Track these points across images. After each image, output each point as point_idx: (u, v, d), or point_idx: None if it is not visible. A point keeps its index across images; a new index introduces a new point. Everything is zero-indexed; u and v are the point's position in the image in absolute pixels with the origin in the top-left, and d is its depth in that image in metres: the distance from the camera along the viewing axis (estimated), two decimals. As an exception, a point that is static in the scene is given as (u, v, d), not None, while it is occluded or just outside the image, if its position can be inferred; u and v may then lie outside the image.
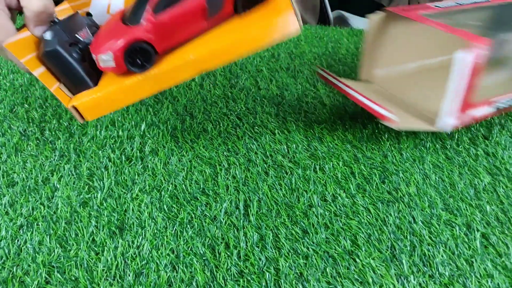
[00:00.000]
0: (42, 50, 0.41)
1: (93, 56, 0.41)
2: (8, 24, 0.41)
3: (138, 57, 0.40)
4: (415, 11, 0.52)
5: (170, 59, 0.40)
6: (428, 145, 0.53)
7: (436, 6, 0.54)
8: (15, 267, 0.37)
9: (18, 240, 0.39)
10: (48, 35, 0.41)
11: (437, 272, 0.38)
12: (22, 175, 0.46)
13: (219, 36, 0.40)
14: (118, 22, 0.41)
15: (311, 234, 0.41)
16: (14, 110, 0.56)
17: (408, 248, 0.40)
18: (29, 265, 0.37)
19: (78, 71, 0.42)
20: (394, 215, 0.43)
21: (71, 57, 0.41)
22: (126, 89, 0.41)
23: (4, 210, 0.42)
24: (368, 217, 0.43)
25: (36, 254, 0.37)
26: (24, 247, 0.38)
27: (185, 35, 0.41)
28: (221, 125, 0.55)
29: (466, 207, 0.44)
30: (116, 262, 0.37)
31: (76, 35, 0.43)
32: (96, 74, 0.44)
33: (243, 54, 0.40)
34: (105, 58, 0.39)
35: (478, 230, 0.42)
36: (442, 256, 0.39)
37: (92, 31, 0.46)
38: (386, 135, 0.55)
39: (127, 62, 0.40)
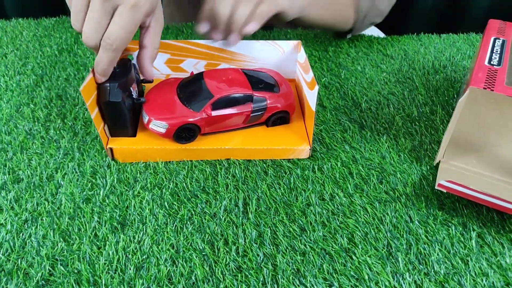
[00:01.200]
0: (106, 99, 0.45)
1: (144, 114, 0.50)
2: None
3: (184, 133, 0.49)
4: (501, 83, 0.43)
5: (207, 142, 0.50)
6: (426, 147, 0.54)
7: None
8: (19, 260, 0.38)
9: (22, 234, 0.40)
10: (113, 86, 0.45)
11: (432, 270, 0.39)
12: (27, 172, 0.47)
13: (250, 139, 0.51)
14: (177, 100, 0.50)
15: (308, 232, 0.42)
16: (20, 110, 0.57)
17: (404, 246, 0.40)
18: (33, 258, 0.38)
19: (127, 121, 0.48)
20: (391, 214, 0.44)
21: (126, 109, 0.47)
22: (164, 151, 0.49)
23: (9, 205, 0.43)
24: (365, 216, 0.44)
25: (40, 248, 0.38)
26: (29, 240, 0.39)
27: (225, 127, 0.51)
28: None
29: (462, 207, 0.45)
30: (118, 256, 0.38)
31: (131, 88, 0.48)
32: (135, 125, 0.51)
33: (263, 158, 0.51)
34: (159, 125, 0.48)
35: (474, 230, 0.42)
36: (437, 254, 0.40)
37: (137, 81, 0.52)
38: (385, 137, 0.55)
39: (175, 135, 0.48)
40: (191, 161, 0.49)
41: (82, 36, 0.42)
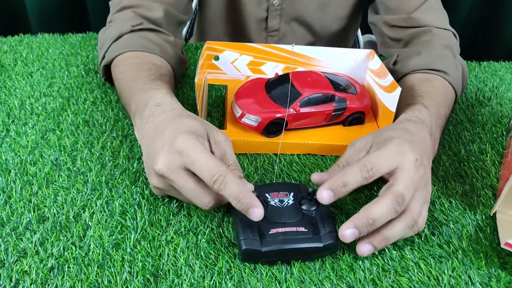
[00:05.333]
0: None
1: (236, 108, 0.54)
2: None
3: (273, 128, 0.53)
4: None
5: (290, 137, 0.54)
6: (478, 192, 0.50)
7: None
8: (45, 318, 0.34)
9: (49, 285, 0.36)
10: None
11: None
12: (53, 209, 0.44)
13: (329, 137, 0.55)
14: (267, 97, 0.54)
15: (358, 292, 0.38)
16: (46, 136, 0.54)
17: (467, 314, 0.36)
18: (60, 317, 0.34)
19: None
20: (448, 273, 0.40)
21: None
22: (252, 143, 0.53)
23: (34, 249, 0.40)
24: (419, 274, 0.40)
25: (67, 303, 0.35)
26: (55, 293, 0.36)
27: (308, 124, 0.55)
28: (257, 160, 0.53)
29: (527, 268, 0.41)
30: (151, 316, 0.35)
31: None
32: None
33: (341, 154, 0.49)
34: (251, 119, 0.52)
35: (544, 298, 0.38)
36: (504, 325, 0.36)
37: None
38: (433, 178, 0.51)
39: (265, 129, 0.52)
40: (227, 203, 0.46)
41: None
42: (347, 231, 0.38)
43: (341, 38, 0.90)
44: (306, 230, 0.40)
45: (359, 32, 1.10)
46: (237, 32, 0.86)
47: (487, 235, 0.44)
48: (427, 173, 0.43)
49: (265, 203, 0.42)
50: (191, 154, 0.39)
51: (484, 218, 0.46)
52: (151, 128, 0.44)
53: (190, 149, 0.40)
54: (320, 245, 0.39)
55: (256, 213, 0.39)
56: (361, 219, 0.38)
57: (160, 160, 0.40)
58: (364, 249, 0.39)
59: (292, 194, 0.43)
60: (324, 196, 0.39)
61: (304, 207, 0.42)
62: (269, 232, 0.39)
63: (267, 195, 0.43)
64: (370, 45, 1.17)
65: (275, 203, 0.42)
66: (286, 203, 0.42)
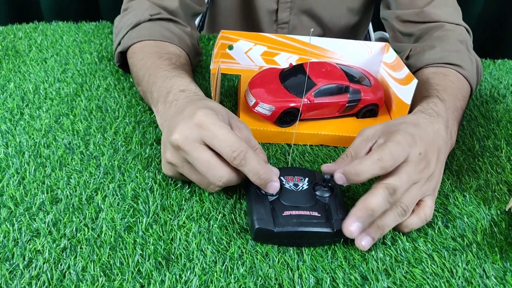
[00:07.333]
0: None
1: (250, 97, 0.53)
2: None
3: (287, 117, 0.53)
4: None
5: (303, 128, 0.54)
6: (493, 188, 0.49)
7: None
8: (58, 296, 0.34)
9: (61, 265, 0.37)
10: None
11: (514, 338, 0.34)
12: (66, 191, 0.44)
13: (342, 128, 0.55)
14: (281, 87, 0.54)
15: (371, 282, 0.37)
16: (59, 120, 0.54)
17: (481, 307, 0.36)
18: (72, 295, 0.34)
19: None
20: (462, 266, 0.39)
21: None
22: (264, 133, 0.53)
23: (47, 229, 0.40)
24: (433, 266, 0.39)
25: (80, 283, 0.35)
26: (67, 272, 0.36)
27: (321, 115, 0.55)
28: (270, 150, 0.53)
29: (543, 264, 0.40)
30: (163, 298, 0.35)
31: None
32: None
33: None
34: (265, 107, 0.52)
35: (560, 293, 0.37)
36: (519, 319, 0.35)
37: None
38: (447, 173, 0.51)
39: (278, 118, 0.52)
40: (239, 189, 0.46)
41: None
42: (352, 227, 0.38)
43: (351, 33, 0.90)
44: (319, 215, 0.40)
45: (371, 28, 1.09)
46: (248, 24, 0.85)
47: (502, 229, 0.44)
48: (431, 166, 0.42)
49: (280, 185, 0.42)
50: (211, 127, 0.39)
51: (499, 213, 0.46)
52: (174, 110, 0.45)
53: (210, 123, 0.39)
54: (332, 230, 0.39)
55: (274, 186, 0.40)
56: (361, 211, 0.38)
57: (177, 130, 0.40)
58: (364, 242, 0.39)
59: (307, 179, 0.43)
60: (338, 177, 0.40)
61: (318, 193, 0.42)
62: (283, 214, 0.39)
63: (282, 178, 0.43)
64: (382, 41, 1.16)
65: (289, 187, 0.42)
66: (301, 188, 0.42)
